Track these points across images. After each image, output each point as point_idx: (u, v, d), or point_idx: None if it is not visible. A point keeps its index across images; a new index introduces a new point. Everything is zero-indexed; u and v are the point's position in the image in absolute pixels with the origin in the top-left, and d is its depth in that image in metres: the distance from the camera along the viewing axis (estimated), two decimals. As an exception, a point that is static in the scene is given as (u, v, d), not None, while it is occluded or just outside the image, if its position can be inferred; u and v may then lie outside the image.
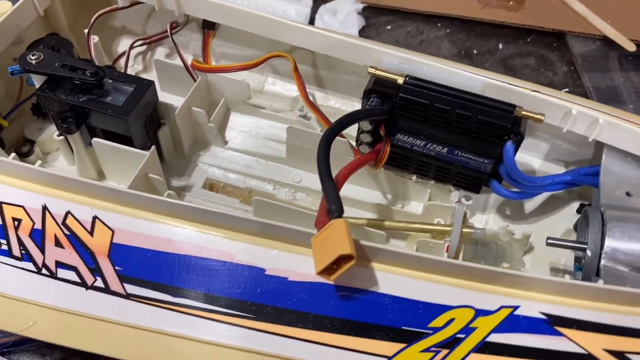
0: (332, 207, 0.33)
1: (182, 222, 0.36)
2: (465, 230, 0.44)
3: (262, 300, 0.34)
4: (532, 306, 0.33)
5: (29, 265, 0.35)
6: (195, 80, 0.51)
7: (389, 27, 0.84)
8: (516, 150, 0.41)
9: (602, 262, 0.37)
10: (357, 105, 0.54)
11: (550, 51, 0.80)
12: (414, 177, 0.47)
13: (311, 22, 0.80)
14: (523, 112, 0.40)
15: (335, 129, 0.38)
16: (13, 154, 0.41)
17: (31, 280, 0.35)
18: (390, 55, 0.44)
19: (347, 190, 0.49)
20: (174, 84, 0.53)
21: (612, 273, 0.37)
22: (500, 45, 0.81)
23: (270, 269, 0.34)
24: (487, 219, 0.49)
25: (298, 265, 0.34)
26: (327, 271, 0.31)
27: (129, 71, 0.54)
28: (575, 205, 0.48)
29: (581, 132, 0.42)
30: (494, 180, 0.44)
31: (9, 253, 0.36)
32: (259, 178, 0.51)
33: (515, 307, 0.33)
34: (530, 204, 0.48)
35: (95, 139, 0.45)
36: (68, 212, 0.36)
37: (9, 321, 0.36)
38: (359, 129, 0.44)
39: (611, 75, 0.75)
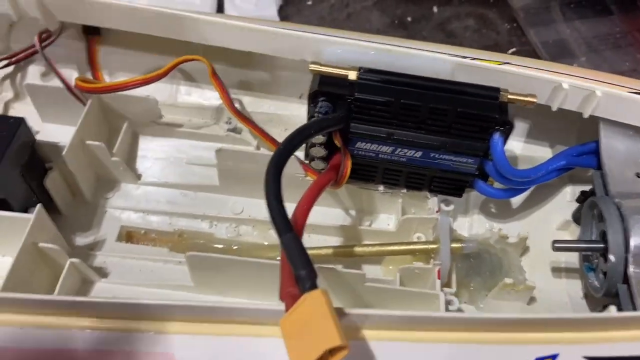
0: (301, 272, 0.23)
1: (91, 322, 0.25)
2: (454, 246, 0.36)
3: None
4: (573, 351, 0.26)
5: None
6: (84, 104, 0.39)
7: (309, 3, 0.74)
8: (505, 142, 0.33)
9: (631, 268, 0.30)
10: (295, 106, 0.45)
11: (488, 9, 0.74)
12: (381, 188, 0.38)
13: (219, 8, 0.69)
14: (510, 97, 0.32)
15: (283, 155, 0.28)
16: None
17: None
18: (332, 43, 0.35)
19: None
20: (59, 111, 0.41)
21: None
22: (435, 9, 0.74)
23: (226, 367, 0.25)
24: (471, 222, 0.41)
25: (261, 353, 0.25)
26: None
27: (-2, 101, 0.42)
28: (568, 190, 0.41)
29: (574, 108, 0.35)
30: (478, 180, 0.36)
31: None
32: (188, 215, 0.41)
33: (554, 356, 0.25)
34: (517, 197, 0.41)
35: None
36: None
37: None
38: (308, 142, 0.35)
39: (556, 27, 0.70)
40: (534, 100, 0.32)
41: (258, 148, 0.42)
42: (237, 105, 0.42)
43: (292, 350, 0.22)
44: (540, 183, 0.38)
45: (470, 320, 0.26)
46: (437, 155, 0.34)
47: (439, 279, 0.34)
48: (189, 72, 0.44)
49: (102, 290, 0.36)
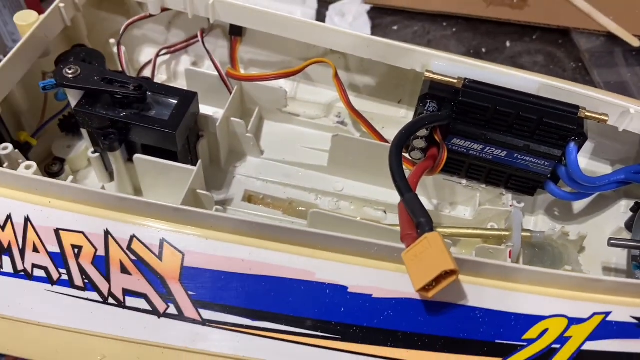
0: (422, 220, 0.31)
1: (257, 241, 0.34)
2: (525, 234, 0.43)
3: (347, 319, 0.32)
4: (623, 311, 0.33)
5: (94, 295, 0.33)
6: (229, 90, 0.49)
7: (395, 28, 0.83)
8: (578, 151, 0.41)
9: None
10: (393, 109, 0.53)
11: (556, 48, 0.81)
12: (464, 182, 0.46)
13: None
14: (587, 113, 0.40)
15: (403, 138, 0.37)
16: (70, 177, 0.38)
17: (97, 311, 0.33)
18: (440, 58, 0.43)
19: (390, 197, 0.48)
20: (204, 93, 0.51)
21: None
22: (508, 43, 0.81)
23: (353, 287, 0.33)
24: (536, 221, 0.48)
25: (381, 281, 0.33)
26: (426, 288, 0.30)
27: (156, 81, 0.52)
28: (623, 203, 0.48)
29: (637, 131, 0.42)
30: (550, 182, 0.43)
31: (70, 283, 0.33)
32: (299, 188, 0.49)
33: (607, 314, 0.33)
34: (579, 204, 0.48)
35: (137, 155, 0.43)
36: (133, 236, 0.34)
37: (75, 358, 0.33)
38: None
39: (618, 70, 0.77)
40: (607, 118, 0.39)
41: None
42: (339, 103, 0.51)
43: (413, 273, 0.30)
44: (601, 192, 0.45)
45: (545, 274, 0.33)
46: (519, 156, 0.42)
47: (509, 258, 0.41)
48: (307, 72, 0.53)
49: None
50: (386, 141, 0.48)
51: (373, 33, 0.81)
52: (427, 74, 0.41)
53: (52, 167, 0.46)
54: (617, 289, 0.33)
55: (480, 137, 0.42)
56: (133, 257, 0.33)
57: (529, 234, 0.43)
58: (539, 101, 0.40)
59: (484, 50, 0.81)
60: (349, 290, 0.33)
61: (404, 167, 0.45)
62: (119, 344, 0.33)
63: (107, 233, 0.34)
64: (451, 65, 0.43)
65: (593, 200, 0.48)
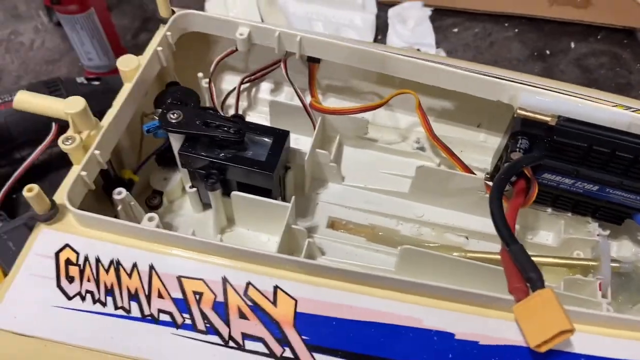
0: (532, 275, 0.33)
1: (365, 288, 0.36)
2: (613, 265, 0.44)
3: (457, 365, 0.34)
4: None
5: (215, 339, 0.36)
6: (313, 122, 0.50)
7: (455, 30, 0.83)
8: (672, 187, 0.41)
9: None
10: (472, 133, 0.54)
11: (622, 49, 0.80)
12: (550, 210, 0.47)
13: (378, 29, 0.79)
14: (683, 151, 0.40)
15: (502, 183, 0.38)
16: (191, 229, 0.41)
17: (219, 353, 0.35)
18: (529, 92, 0.43)
19: (471, 222, 0.49)
20: (285, 121, 0.53)
21: None
22: (572, 44, 0.80)
23: (460, 333, 0.35)
24: (620, 245, 0.49)
25: (488, 328, 0.35)
26: (542, 344, 0.31)
27: (239, 109, 0.54)
28: None
29: None
30: (637, 213, 0.44)
31: (193, 327, 0.36)
32: (380, 214, 0.51)
33: None
34: (660, 229, 0.49)
35: (235, 193, 0.45)
36: (249, 283, 0.36)
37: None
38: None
39: (688, 71, 0.75)
40: None
41: (439, 165, 0.52)
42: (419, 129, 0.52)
43: (527, 330, 0.32)
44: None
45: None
46: (611, 191, 0.42)
47: (600, 290, 0.42)
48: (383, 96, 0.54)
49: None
50: (467, 169, 0.49)
51: (436, 35, 0.80)
52: (519, 111, 0.42)
53: (153, 200, 0.48)
54: None
55: (572, 172, 0.42)
56: (250, 303, 0.36)
57: (617, 265, 0.44)
58: (634, 139, 0.40)
59: (548, 52, 0.80)
60: (455, 337, 0.35)
61: (486, 195, 0.47)
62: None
63: (224, 280, 0.36)
64: (540, 100, 0.43)
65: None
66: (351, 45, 0.47)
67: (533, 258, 0.45)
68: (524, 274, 0.33)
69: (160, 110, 0.43)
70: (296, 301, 0.36)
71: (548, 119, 0.41)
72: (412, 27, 0.79)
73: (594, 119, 0.41)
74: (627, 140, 0.40)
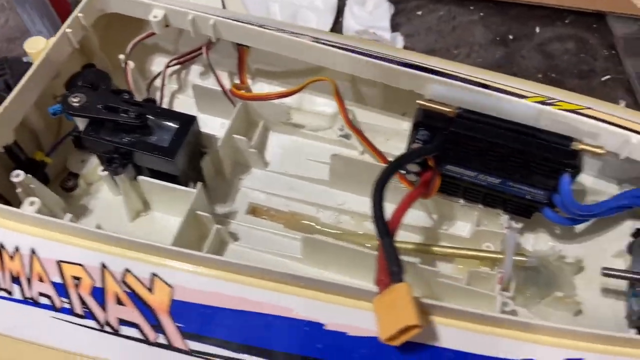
0: (394, 269, 0.32)
1: (240, 278, 0.36)
2: (517, 259, 0.43)
3: (323, 355, 0.34)
4: (596, 358, 0.33)
5: (92, 323, 0.36)
6: (233, 104, 0.50)
7: (419, 13, 0.81)
8: (572, 182, 0.40)
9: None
10: (397, 121, 0.53)
11: (590, 33, 0.77)
12: (462, 201, 0.46)
13: (339, 11, 0.78)
14: (581, 146, 0.39)
15: (386, 177, 0.37)
16: (69, 215, 0.41)
17: (95, 337, 0.36)
18: (439, 82, 0.42)
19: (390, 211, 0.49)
20: (212, 105, 0.53)
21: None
22: (537, 29, 0.78)
23: (329, 324, 0.35)
24: (536, 239, 0.48)
25: (357, 319, 0.34)
26: (394, 337, 0.31)
27: (165, 91, 0.54)
28: (628, 224, 0.46)
29: (637, 158, 0.41)
30: (546, 208, 0.43)
31: (71, 311, 0.36)
32: (301, 201, 0.51)
33: (579, 360, 0.33)
34: (580, 225, 0.47)
35: (140, 177, 0.45)
36: (127, 270, 0.36)
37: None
38: (406, 159, 0.43)
39: (656, 59, 0.72)
40: (602, 151, 0.38)
41: (362, 153, 0.51)
42: (350, 115, 0.51)
43: (381, 323, 0.31)
44: (606, 216, 0.44)
45: (516, 322, 0.34)
46: (513, 184, 0.41)
47: (499, 284, 0.42)
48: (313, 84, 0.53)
49: (234, 251, 0.47)
50: (385, 159, 0.48)
51: (395, 19, 0.79)
52: (419, 101, 0.41)
53: (67, 182, 0.49)
54: (587, 337, 0.33)
55: (473, 165, 0.41)
56: (127, 290, 0.36)
57: (523, 259, 0.43)
58: (533, 132, 0.39)
59: (511, 37, 0.78)
60: (325, 327, 0.35)
61: (404, 185, 0.46)
62: (115, 368, 0.36)
63: (103, 266, 0.36)
64: (448, 90, 0.42)
65: (597, 221, 0.47)
66: (265, 31, 0.46)
67: (443, 249, 0.46)
68: (389, 267, 0.33)
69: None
70: (172, 288, 0.36)
71: (448, 110, 0.40)
72: (371, 9, 0.77)
73: (497, 112, 0.40)
74: (524, 133, 0.39)
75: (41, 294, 0.37)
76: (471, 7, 0.81)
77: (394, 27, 0.78)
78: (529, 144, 0.39)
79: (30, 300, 0.37)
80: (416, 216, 0.49)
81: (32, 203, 0.39)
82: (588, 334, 0.33)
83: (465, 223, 0.48)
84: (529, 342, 0.34)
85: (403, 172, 0.45)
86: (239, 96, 0.49)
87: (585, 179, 0.48)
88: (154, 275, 0.36)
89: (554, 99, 0.45)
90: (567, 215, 0.43)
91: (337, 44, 0.47)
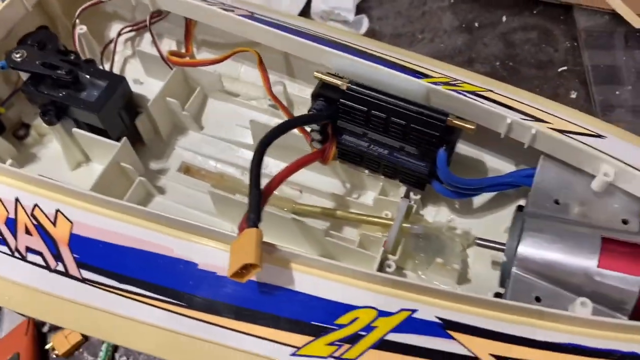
0: (251, 216, 0.36)
1: (131, 219, 0.41)
2: (405, 225, 0.46)
3: (192, 290, 0.39)
4: (429, 310, 0.36)
5: (5, 249, 0.42)
6: (171, 69, 0.54)
7: (391, -3, 0.83)
8: (449, 156, 0.43)
9: (513, 268, 0.39)
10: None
11: (555, 25, 0.78)
12: (367, 172, 0.50)
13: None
14: (455, 122, 0.41)
15: (270, 138, 0.41)
16: (10, 161, 0.47)
17: (6, 262, 0.41)
18: (338, 56, 0.45)
19: (309, 178, 0.53)
20: (158, 70, 0.57)
21: (520, 280, 0.39)
22: (504, 18, 0.79)
23: (202, 264, 0.39)
24: (437, 211, 0.51)
25: (226, 262, 0.39)
26: (238, 275, 0.35)
27: (117, 57, 0.59)
28: (522, 202, 0.49)
29: (518, 138, 0.43)
30: (435, 180, 0.46)
31: (-12, 238, 0.42)
32: (229, 164, 0.55)
33: (414, 311, 0.36)
34: (480, 200, 0.50)
35: (74, 130, 0.50)
36: (36, 205, 0.41)
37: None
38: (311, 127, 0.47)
39: (614, 53, 0.73)
40: (472, 127, 0.41)
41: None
42: (280, 87, 0.55)
43: (230, 261, 0.36)
44: (491, 192, 0.47)
45: (361, 273, 0.37)
46: (398, 156, 0.45)
47: (383, 247, 0.45)
48: (251, 56, 0.57)
49: (158, 203, 0.52)
50: (304, 129, 0.52)
51: (368, 2, 0.81)
52: (316, 74, 0.44)
53: (19, 131, 0.55)
54: (425, 291, 0.37)
55: (363, 135, 0.45)
56: (34, 222, 0.41)
57: (408, 226, 0.46)
58: (412, 107, 0.42)
59: (476, 24, 0.79)
60: (198, 266, 0.39)
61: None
62: (20, 289, 0.41)
63: (17, 200, 0.42)
64: (347, 65, 0.45)
65: (494, 198, 0.50)
66: (203, 5, 0.50)
67: (344, 214, 0.49)
68: (247, 214, 0.37)
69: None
70: (72, 224, 0.41)
71: (339, 82, 0.43)
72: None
73: (386, 86, 0.43)
74: (403, 107, 0.42)
75: (-36, 221, 0.42)
76: (442, -6, 0.83)
77: (365, 9, 0.80)
78: (407, 117, 0.42)
79: (-45, 225, 0.42)
80: (331, 184, 0.53)
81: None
82: (423, 287, 0.36)
83: (373, 192, 0.52)
84: (370, 291, 0.37)
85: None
86: (173, 62, 0.53)
87: (486, 157, 0.51)
88: (58, 211, 0.41)
89: (458, 80, 0.48)
90: (451, 189, 0.46)
91: (271, 21, 0.51)
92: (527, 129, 0.42)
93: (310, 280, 0.38)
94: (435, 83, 0.44)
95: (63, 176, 0.53)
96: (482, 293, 0.43)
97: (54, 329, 0.56)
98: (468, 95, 0.44)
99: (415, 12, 0.82)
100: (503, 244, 0.43)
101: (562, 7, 0.79)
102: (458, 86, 0.46)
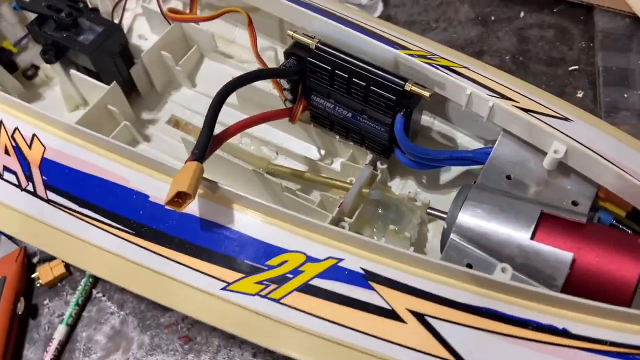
0: (195, 150, 0.39)
1: (95, 148, 0.44)
2: (363, 190, 0.47)
3: (142, 220, 0.41)
4: (354, 261, 0.37)
5: (-14, 166, 0.46)
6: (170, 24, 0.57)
7: (413, -14, 0.84)
8: (407, 123, 0.43)
9: (451, 234, 0.40)
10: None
11: (574, 24, 0.76)
12: (337, 137, 0.51)
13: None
14: (412, 87, 0.42)
15: (233, 85, 0.43)
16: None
17: (-14, 178, 0.45)
18: (317, 19, 0.47)
19: (285, 140, 0.55)
20: (162, 28, 0.60)
21: (455, 247, 0.39)
22: (522, 14, 0.78)
23: (153, 196, 0.41)
24: (404, 184, 0.52)
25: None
26: (174, 203, 0.37)
27: (129, 14, 0.62)
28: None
29: (478, 111, 0.43)
30: (397, 149, 0.47)
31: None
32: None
33: (340, 259, 0.37)
34: (446, 176, 0.50)
35: (72, 71, 0.54)
36: (16, 128, 0.45)
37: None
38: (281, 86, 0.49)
39: (629, 56, 0.71)
40: (427, 94, 0.42)
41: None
42: (272, 52, 0.57)
43: (169, 190, 0.38)
44: (453, 165, 0.47)
45: (293, 216, 0.38)
46: (360, 119, 0.45)
47: (338, 207, 0.46)
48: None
49: (141, 149, 0.55)
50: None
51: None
52: (289, 32, 0.46)
53: (27, 71, 0.59)
54: (353, 240, 0.37)
55: (328, 96, 0.46)
56: (13, 144, 0.45)
57: (366, 191, 0.47)
58: (374, 70, 0.43)
59: (492, 18, 0.79)
60: (149, 198, 0.41)
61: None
62: (-4, 205, 0.45)
63: (0, 122, 0.45)
64: (324, 28, 0.47)
65: (461, 175, 0.50)
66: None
67: (311, 176, 0.51)
68: (193, 149, 0.39)
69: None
70: (45, 148, 0.44)
71: (309, 42, 0.45)
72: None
73: (356, 50, 0.44)
74: (365, 69, 0.43)
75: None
76: (463, -14, 0.83)
77: (386, -6, 0.81)
78: (366, 79, 0.43)
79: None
80: (307, 149, 0.55)
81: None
82: (352, 237, 0.37)
83: (343, 159, 0.53)
84: (301, 237, 0.38)
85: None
86: (170, 18, 0.56)
87: (457, 135, 0.51)
88: (34, 135, 0.45)
89: (435, 55, 0.48)
90: (412, 158, 0.46)
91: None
92: (485, 102, 0.42)
93: (248, 221, 0.40)
94: (411, 55, 0.45)
95: (61, 116, 0.56)
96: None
97: (43, 260, 0.60)
98: (439, 67, 0.45)
99: (433, 2, 0.82)
100: (443, 212, 0.43)
101: (584, 7, 0.77)
102: (433, 60, 0.46)
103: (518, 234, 0.38)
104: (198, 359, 0.53)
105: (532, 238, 0.37)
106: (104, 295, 0.58)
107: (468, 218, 0.39)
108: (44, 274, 0.58)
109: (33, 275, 0.59)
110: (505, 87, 0.46)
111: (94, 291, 0.59)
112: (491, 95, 0.43)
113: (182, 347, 0.54)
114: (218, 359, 0.52)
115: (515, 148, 0.42)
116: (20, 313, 0.55)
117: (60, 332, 0.54)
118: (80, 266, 0.43)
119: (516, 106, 0.42)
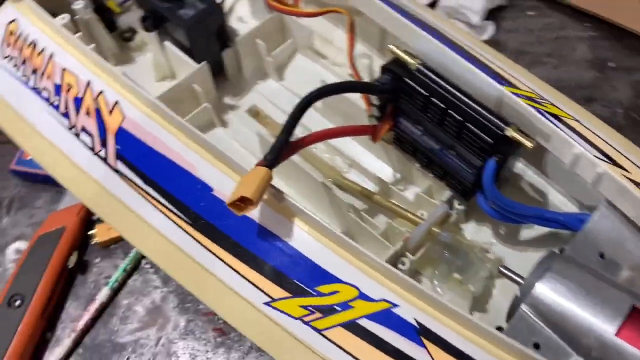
0: (268, 156, 0.36)
1: (172, 129, 0.43)
2: (433, 229, 0.44)
3: (201, 212, 0.40)
4: (410, 310, 0.34)
5: (66, 122, 0.46)
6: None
7: (530, 13, 0.78)
8: (498, 170, 0.40)
9: (522, 305, 0.36)
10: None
11: None
12: (418, 165, 0.48)
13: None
14: (514, 134, 0.38)
15: (321, 93, 0.41)
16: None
17: (63, 134, 0.45)
18: (423, 38, 0.44)
19: (361, 155, 0.52)
20: (263, 15, 0.59)
21: (525, 319, 0.35)
22: (643, 65, 0.71)
23: (217, 190, 0.40)
24: (479, 230, 0.48)
25: (238, 195, 0.39)
26: (236, 206, 0.36)
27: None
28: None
29: (582, 174, 0.39)
30: (480, 194, 0.43)
31: (57, 108, 0.46)
32: (296, 120, 0.55)
33: (395, 305, 0.34)
34: (528, 233, 0.46)
35: (166, 42, 0.53)
36: (101, 92, 0.45)
37: (42, 157, 0.47)
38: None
39: None
40: (530, 144, 0.37)
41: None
42: (367, 60, 0.54)
43: (233, 191, 0.36)
44: (538, 225, 0.43)
45: (357, 249, 0.36)
46: (448, 154, 0.42)
47: (403, 241, 0.43)
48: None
49: (216, 133, 0.54)
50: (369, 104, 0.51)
51: (503, 12, 0.77)
52: (390, 46, 0.43)
53: (126, 34, 0.59)
54: (411, 289, 0.34)
55: (419, 122, 0.43)
56: (95, 106, 0.45)
57: (437, 231, 0.44)
58: (475, 106, 0.39)
59: (611, 64, 0.72)
60: (212, 192, 0.40)
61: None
62: (65, 160, 0.45)
63: (88, 83, 0.45)
64: (430, 49, 0.43)
65: (544, 234, 0.45)
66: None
67: (378, 198, 0.48)
68: (266, 153, 0.37)
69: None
70: (124, 118, 0.44)
71: (411, 61, 0.42)
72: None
73: (459, 79, 0.41)
74: (465, 103, 0.39)
75: (44, 89, 0.47)
76: (586, 24, 0.76)
77: (497, 18, 0.76)
78: (465, 114, 0.39)
79: (36, 89, 0.47)
80: (381, 169, 0.52)
81: (63, 18, 0.50)
82: (413, 286, 0.34)
83: (418, 189, 0.50)
84: (359, 270, 0.36)
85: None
86: (271, 6, 0.54)
87: (550, 191, 0.46)
88: (117, 102, 0.44)
89: (544, 99, 0.44)
90: (494, 207, 0.42)
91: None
92: (594, 167, 0.37)
93: (306, 239, 0.37)
94: (517, 94, 0.41)
95: (146, 84, 0.56)
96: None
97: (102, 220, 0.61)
98: (546, 115, 0.40)
99: (549, 35, 0.76)
100: (521, 277, 0.39)
101: None
102: (541, 105, 0.42)
103: (601, 326, 0.33)
104: (228, 355, 0.52)
105: (616, 334, 0.32)
106: (151, 267, 0.58)
107: (547, 291, 0.35)
108: (100, 233, 0.59)
109: (90, 232, 0.60)
110: (618, 151, 0.41)
111: (143, 261, 0.59)
112: (601, 159, 0.38)
113: (215, 339, 0.53)
114: (247, 360, 0.51)
115: (616, 223, 0.38)
116: (71, 266, 0.56)
117: (103, 294, 0.54)
118: (130, 240, 0.43)
119: (628, 177, 0.37)
